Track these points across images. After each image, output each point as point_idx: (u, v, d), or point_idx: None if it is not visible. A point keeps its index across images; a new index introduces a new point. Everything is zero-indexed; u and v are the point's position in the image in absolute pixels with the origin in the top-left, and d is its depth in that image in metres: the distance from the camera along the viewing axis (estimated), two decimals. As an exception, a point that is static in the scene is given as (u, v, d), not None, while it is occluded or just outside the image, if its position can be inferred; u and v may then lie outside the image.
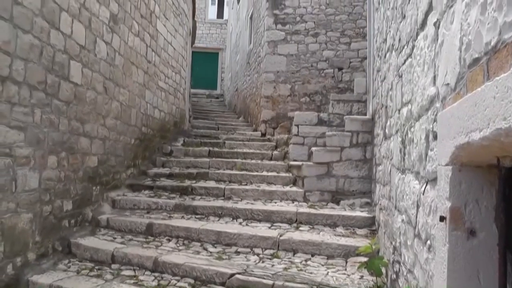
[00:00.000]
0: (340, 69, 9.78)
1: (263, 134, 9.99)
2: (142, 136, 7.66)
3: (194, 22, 13.48)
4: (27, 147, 4.15)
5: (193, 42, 13.86)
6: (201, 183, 7.01)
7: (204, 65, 22.88)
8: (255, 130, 10.79)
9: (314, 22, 10.01)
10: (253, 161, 8.04)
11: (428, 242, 2.08)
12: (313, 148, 6.59)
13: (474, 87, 1.35)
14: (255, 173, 7.34)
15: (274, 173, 7.35)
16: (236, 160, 8.04)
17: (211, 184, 6.99)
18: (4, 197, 3.84)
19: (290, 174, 7.15)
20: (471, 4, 1.42)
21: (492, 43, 1.21)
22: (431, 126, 2.06)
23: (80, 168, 5.34)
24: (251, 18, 13.23)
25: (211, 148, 8.85)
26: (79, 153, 5.28)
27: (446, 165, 1.63)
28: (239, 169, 7.63)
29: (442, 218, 1.65)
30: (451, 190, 1.58)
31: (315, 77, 9.80)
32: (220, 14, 24.71)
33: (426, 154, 2.18)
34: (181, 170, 7.81)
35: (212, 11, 24.78)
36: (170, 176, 7.51)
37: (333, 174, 6.34)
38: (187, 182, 7.07)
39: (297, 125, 7.39)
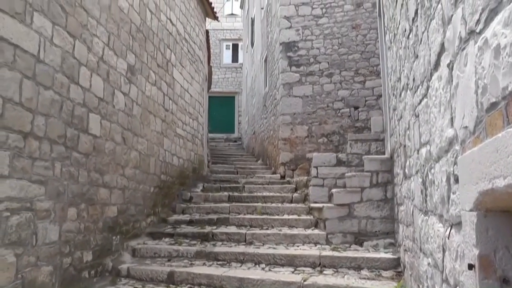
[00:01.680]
0: (356, 108, 9.79)
1: (282, 177, 9.93)
2: (161, 183, 7.69)
3: (210, 68, 13.75)
4: (48, 200, 4.18)
5: (209, 87, 14.09)
6: (222, 229, 6.95)
7: (221, 109, 23.17)
8: (274, 172, 10.74)
9: (328, 63, 10.11)
10: (274, 204, 7.97)
11: (458, 289, 1.99)
12: (333, 190, 6.52)
13: (494, 131, 1.32)
14: (276, 217, 7.26)
15: (295, 216, 7.26)
16: (256, 204, 7.99)
17: (232, 229, 6.93)
18: (25, 251, 3.85)
19: (311, 217, 7.05)
20: (484, 48, 1.41)
21: (510, 88, 1.19)
22: (452, 169, 2.01)
23: (99, 219, 5.35)
24: (265, 61, 13.43)
25: (230, 193, 8.82)
26: (99, 203, 5.31)
27: (470, 210, 1.57)
28: (260, 213, 7.56)
29: (470, 266, 1.58)
30: (478, 237, 1.52)
31: (331, 117, 9.81)
32: (235, 58, 25.14)
33: (449, 197, 2.12)
34: (201, 216, 7.77)
35: (227, 55, 25.22)
36: (190, 222, 7.46)
37: (354, 215, 6.23)
38: (207, 228, 7.01)
39: (316, 167, 7.35)
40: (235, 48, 25.07)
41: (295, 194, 8.36)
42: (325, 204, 6.60)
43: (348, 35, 10.13)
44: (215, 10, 12.22)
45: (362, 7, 10.15)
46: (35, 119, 3.98)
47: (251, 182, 9.78)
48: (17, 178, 3.72)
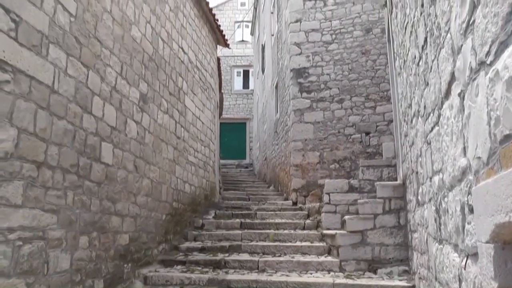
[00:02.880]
0: (367, 133, 9.76)
1: (295, 203, 9.88)
2: (173, 211, 7.68)
3: (221, 95, 13.86)
4: (60, 229, 4.19)
5: (220, 114, 14.17)
6: (234, 256, 6.89)
7: (233, 135, 23.25)
8: (286, 199, 10.68)
9: (338, 88, 10.14)
10: (286, 231, 7.91)
11: (476, 322, 1.94)
12: (346, 217, 6.46)
13: (509, 164, 1.30)
14: (289, 244, 7.19)
15: (308, 243, 7.19)
16: (268, 231, 7.93)
17: (244, 256, 6.87)
18: (36, 280, 3.83)
19: (324, 244, 6.98)
20: (495, 79, 1.40)
21: (523, 121, 1.18)
22: (466, 198, 1.98)
23: (111, 247, 5.34)
24: (276, 87, 13.51)
25: (242, 220, 8.76)
26: (111, 232, 5.31)
27: (487, 242, 1.54)
28: (272, 240, 7.51)
29: (488, 300, 1.55)
30: (496, 270, 1.48)
31: (343, 143, 9.79)
32: (245, 84, 25.34)
33: (463, 227, 2.09)
34: (213, 243, 7.72)
35: (238, 82, 25.44)
36: (202, 250, 7.41)
37: (368, 242, 6.16)
38: (219, 256, 6.95)
39: (328, 193, 7.32)
40: (246, 74, 25.31)
41: (308, 221, 8.30)
42: (338, 231, 6.54)
43: (358, 61, 10.18)
44: (226, 37, 12.38)
45: (371, 32, 10.23)
46: (49, 148, 4.02)
47: (263, 209, 9.73)
48: (30, 208, 3.74)
